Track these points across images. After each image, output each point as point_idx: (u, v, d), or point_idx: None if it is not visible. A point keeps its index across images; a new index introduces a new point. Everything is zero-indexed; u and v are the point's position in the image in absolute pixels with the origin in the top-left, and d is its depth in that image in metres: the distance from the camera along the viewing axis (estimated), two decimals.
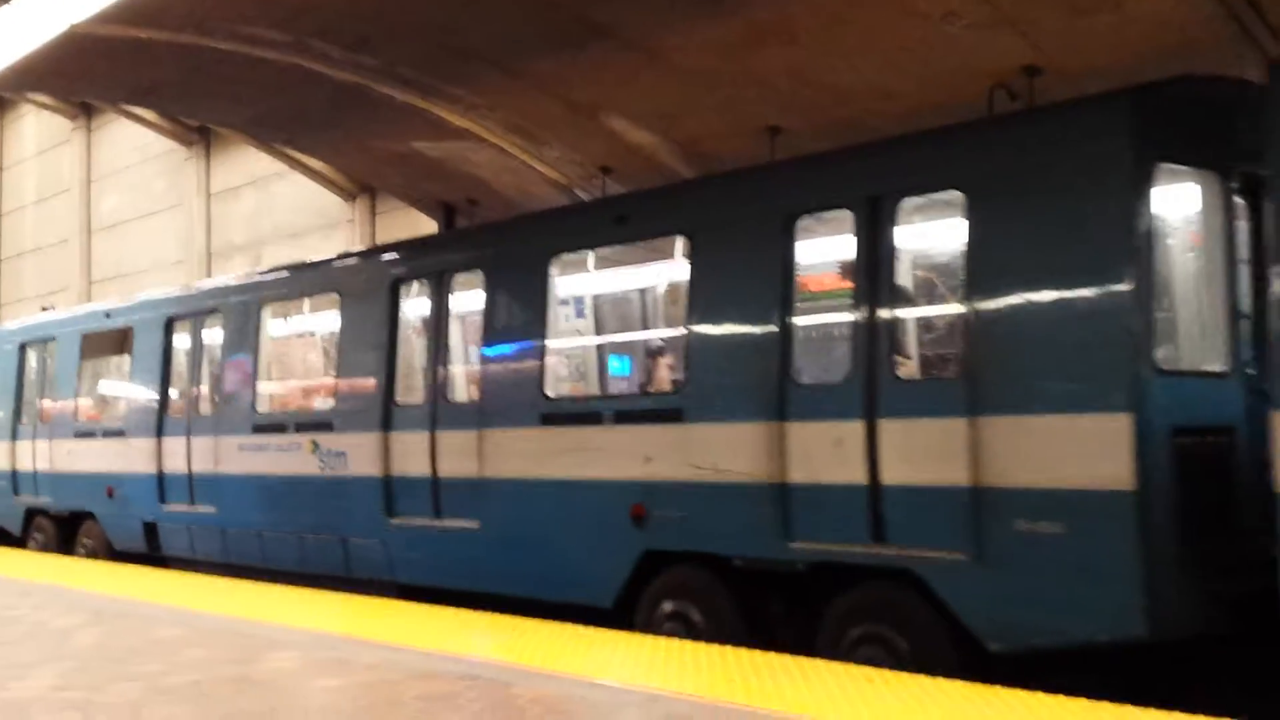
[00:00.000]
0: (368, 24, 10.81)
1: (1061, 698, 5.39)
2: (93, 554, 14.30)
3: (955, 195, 6.99)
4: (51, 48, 11.26)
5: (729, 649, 6.78)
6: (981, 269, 6.76)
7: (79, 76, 13.41)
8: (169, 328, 13.42)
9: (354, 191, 18.37)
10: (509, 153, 13.09)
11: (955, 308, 7.41)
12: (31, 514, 15.58)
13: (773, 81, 10.40)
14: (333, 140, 14.71)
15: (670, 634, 7.89)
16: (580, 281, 10.33)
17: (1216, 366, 6.74)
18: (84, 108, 25.06)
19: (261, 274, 13.74)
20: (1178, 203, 6.97)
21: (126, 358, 14.22)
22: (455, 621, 7.93)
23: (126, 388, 14.38)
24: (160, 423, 13.16)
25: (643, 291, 10.90)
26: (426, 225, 15.59)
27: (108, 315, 14.91)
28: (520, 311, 9.48)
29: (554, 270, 9.32)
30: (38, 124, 27.41)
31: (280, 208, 20.41)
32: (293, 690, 6.07)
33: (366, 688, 6.04)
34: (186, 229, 22.62)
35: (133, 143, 23.85)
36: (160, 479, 12.99)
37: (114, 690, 6.10)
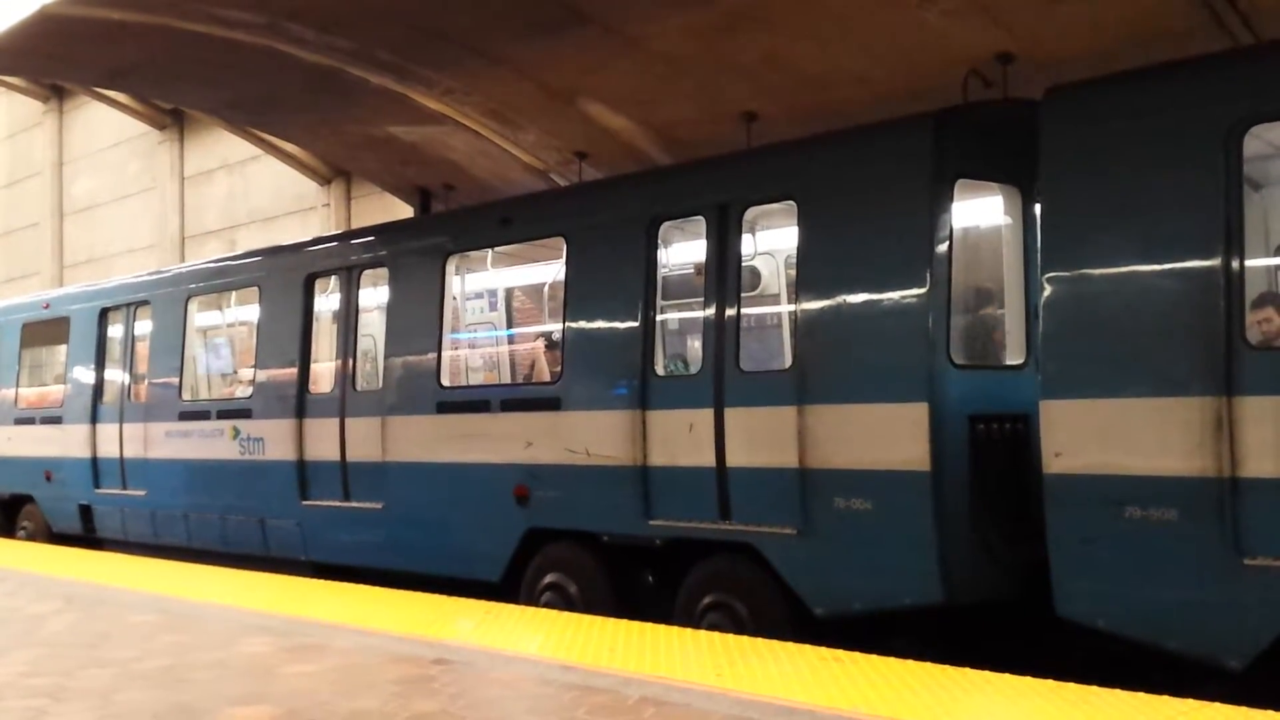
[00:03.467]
0: (342, 6, 10.73)
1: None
2: (31, 536, 14.81)
3: (789, 205, 7.64)
4: (22, 29, 11.13)
5: (697, 633, 6.89)
6: (809, 272, 7.47)
7: (51, 58, 13.26)
8: (103, 318, 13.91)
9: (329, 176, 18.29)
10: (485, 137, 13.05)
11: (788, 307, 8.24)
12: None
13: (749, 67, 10.41)
14: (307, 124, 14.62)
15: (548, 605, 8.61)
16: (480, 279, 11.21)
17: (1013, 360, 7.56)
18: (56, 90, 24.82)
19: (189, 266, 14.43)
20: (980, 214, 7.81)
21: (64, 346, 14.60)
22: (427, 606, 7.95)
23: (63, 375, 14.71)
24: (94, 409, 13.68)
25: (535, 288, 11.61)
26: (402, 210, 15.56)
27: (46, 305, 15.37)
28: (419, 306, 9.98)
29: (450, 268, 9.97)
30: (8, 106, 27.11)
31: (255, 192, 20.29)
32: (267, 675, 6.07)
33: (342, 672, 6.05)
34: (160, 213, 22.45)
35: (106, 126, 23.64)
36: (95, 463, 13.55)
37: (86, 676, 6.10)
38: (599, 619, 7.40)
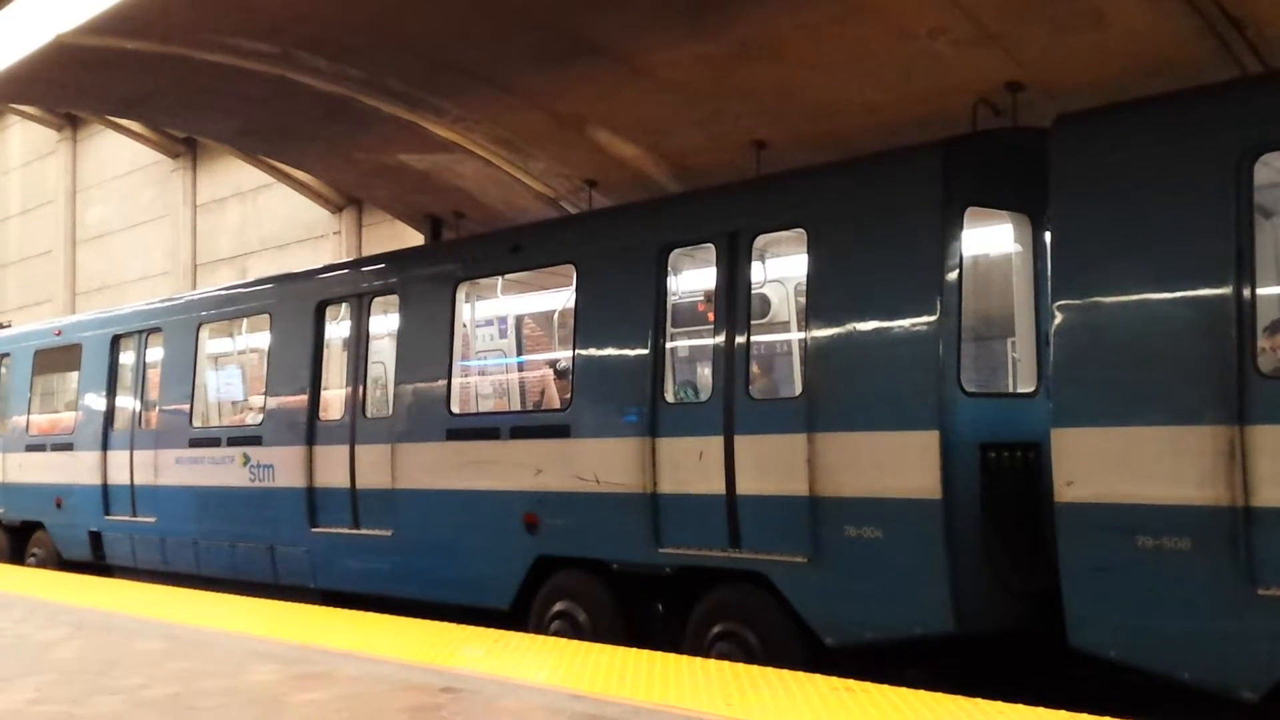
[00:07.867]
0: (355, 36, 10.83)
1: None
2: (42, 563, 14.79)
3: (799, 232, 7.68)
4: (37, 58, 11.23)
5: (707, 662, 6.84)
6: (819, 299, 7.48)
7: (65, 87, 13.38)
8: (115, 345, 13.95)
9: (341, 204, 18.37)
10: (495, 165, 13.11)
11: (798, 334, 8.24)
12: None
13: (758, 96, 10.45)
14: (319, 152, 14.71)
15: (558, 633, 8.60)
16: (490, 306, 11.27)
17: (1025, 388, 7.56)
18: (70, 118, 25.00)
19: (201, 294, 14.53)
20: (990, 241, 7.89)
21: (75, 373, 14.64)
22: (436, 633, 7.93)
23: (74, 402, 14.74)
24: (105, 436, 13.70)
25: (545, 315, 11.69)
26: (413, 237, 15.62)
27: (59, 332, 15.45)
28: (429, 333, 10.00)
29: (460, 295, 10.00)
30: (23, 134, 27.33)
31: (267, 220, 20.39)
32: (275, 703, 6.04)
33: (349, 700, 6.03)
34: (172, 241, 22.57)
35: (119, 154, 23.81)
36: (105, 490, 13.56)
37: (94, 703, 6.07)
38: (608, 647, 7.36)
